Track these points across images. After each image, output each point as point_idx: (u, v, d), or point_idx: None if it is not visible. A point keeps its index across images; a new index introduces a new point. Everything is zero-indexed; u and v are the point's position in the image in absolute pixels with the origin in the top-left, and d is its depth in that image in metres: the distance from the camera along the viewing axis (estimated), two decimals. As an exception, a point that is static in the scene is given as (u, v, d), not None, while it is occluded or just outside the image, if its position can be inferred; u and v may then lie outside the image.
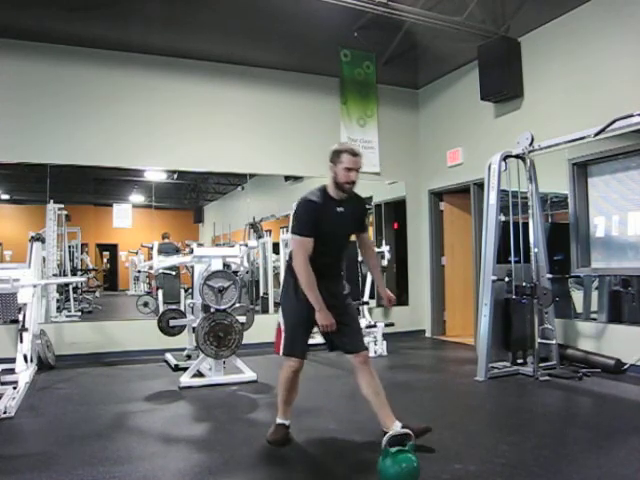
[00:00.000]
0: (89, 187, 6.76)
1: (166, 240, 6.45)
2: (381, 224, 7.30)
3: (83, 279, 6.29)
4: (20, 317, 4.36)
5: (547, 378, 4.36)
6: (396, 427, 2.67)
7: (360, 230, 2.95)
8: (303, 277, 2.65)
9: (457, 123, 6.66)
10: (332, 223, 2.73)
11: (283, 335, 2.80)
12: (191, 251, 4.81)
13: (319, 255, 2.69)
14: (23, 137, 5.50)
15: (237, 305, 4.68)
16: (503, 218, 4.67)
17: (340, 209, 2.76)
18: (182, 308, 5.58)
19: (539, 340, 4.52)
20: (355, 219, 2.87)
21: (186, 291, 6.21)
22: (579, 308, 5.23)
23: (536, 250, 4.64)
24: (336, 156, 2.71)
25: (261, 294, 6.86)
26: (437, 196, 7.17)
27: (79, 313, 6.29)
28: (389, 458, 2.22)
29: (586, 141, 4.62)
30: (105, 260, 7.43)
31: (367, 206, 2.96)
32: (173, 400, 3.91)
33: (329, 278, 2.80)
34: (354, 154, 2.70)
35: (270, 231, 7.08)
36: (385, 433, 2.44)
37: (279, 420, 2.88)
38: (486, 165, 4.75)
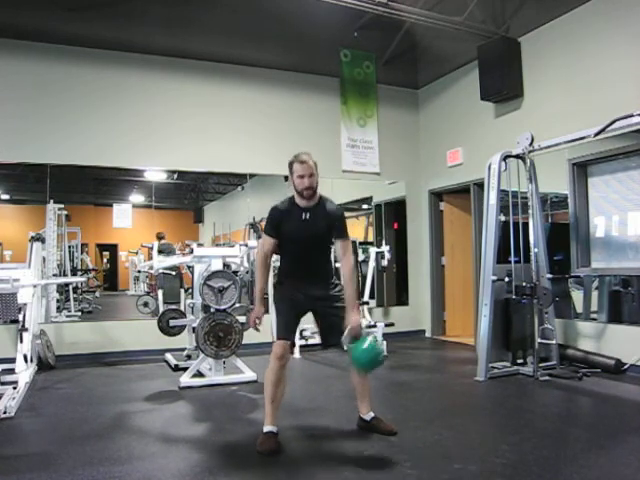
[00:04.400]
0: (89, 187, 6.75)
1: (163, 241, 6.44)
2: (381, 224, 7.30)
3: (83, 279, 6.28)
4: (20, 317, 4.36)
5: (547, 378, 4.36)
6: (367, 416, 3.03)
7: (336, 237, 3.00)
8: (257, 269, 3.01)
9: (457, 123, 6.66)
10: (297, 228, 2.91)
11: (276, 324, 2.93)
12: (191, 251, 4.81)
13: (292, 258, 2.99)
14: (23, 137, 5.50)
15: (237, 305, 4.68)
16: (503, 218, 4.67)
17: (305, 215, 2.93)
18: (182, 308, 5.58)
19: (539, 340, 4.52)
20: (324, 225, 2.94)
21: (186, 291, 6.21)
22: (579, 308, 5.23)
23: (536, 250, 4.64)
24: (289, 168, 2.97)
25: (261, 294, 6.83)
26: (437, 196, 7.17)
27: (79, 313, 6.28)
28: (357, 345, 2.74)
29: (586, 141, 4.62)
30: (105, 260, 7.42)
31: (343, 213, 3.08)
32: (173, 400, 3.91)
33: (310, 281, 2.96)
34: (301, 162, 2.91)
35: (270, 231, 7.06)
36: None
37: (268, 428, 2.82)
38: (486, 165, 4.75)
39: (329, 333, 2.99)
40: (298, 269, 2.98)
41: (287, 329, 2.91)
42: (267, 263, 3.00)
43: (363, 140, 6.94)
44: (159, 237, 6.44)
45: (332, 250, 3.10)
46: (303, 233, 2.91)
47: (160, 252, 5.63)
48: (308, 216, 2.92)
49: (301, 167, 2.90)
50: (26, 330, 4.33)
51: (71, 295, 6.27)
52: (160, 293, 5.78)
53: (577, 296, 5.33)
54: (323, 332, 3.05)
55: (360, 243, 7.19)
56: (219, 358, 4.29)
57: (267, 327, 6.26)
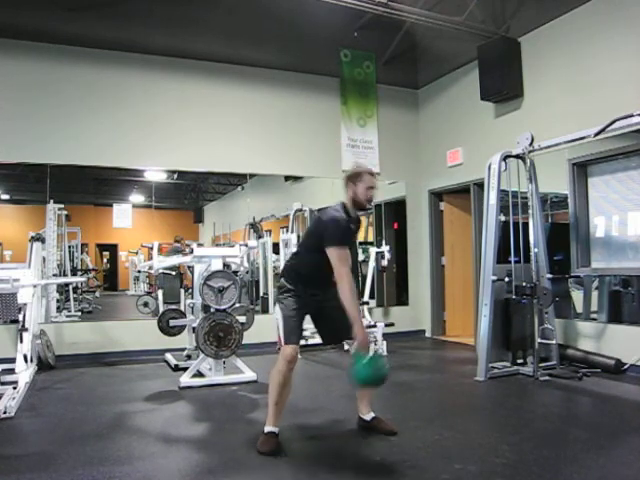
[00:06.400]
0: (89, 187, 6.76)
1: (177, 245, 6.47)
2: (381, 224, 7.30)
3: (83, 279, 6.28)
4: (20, 317, 4.36)
5: (547, 378, 4.37)
6: (367, 416, 3.04)
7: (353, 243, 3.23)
8: (348, 289, 2.75)
9: (457, 123, 6.66)
10: (348, 238, 2.95)
11: (282, 327, 2.88)
12: (191, 251, 4.81)
13: (321, 265, 2.83)
14: (23, 137, 5.50)
15: (237, 305, 4.68)
16: (503, 218, 4.67)
17: (352, 227, 2.99)
18: (182, 308, 5.58)
19: (539, 340, 4.52)
20: (355, 234, 3.14)
21: (186, 291, 6.21)
22: (579, 308, 5.23)
23: (536, 250, 4.64)
24: (356, 176, 2.93)
25: (261, 294, 6.86)
26: (437, 196, 7.17)
27: (79, 313, 6.28)
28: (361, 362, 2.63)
29: (586, 141, 4.62)
30: (105, 260, 7.43)
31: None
32: (173, 400, 3.91)
33: (325, 284, 2.94)
34: (372, 174, 2.97)
35: (270, 231, 7.08)
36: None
37: (269, 428, 2.82)
38: (486, 165, 4.75)
39: (337, 329, 2.98)
40: (321, 275, 2.91)
41: (298, 333, 2.91)
42: None
43: (363, 140, 6.93)
44: (176, 241, 6.47)
45: None
46: (348, 243, 2.95)
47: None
48: (352, 226, 2.99)
49: (372, 179, 2.94)
50: (26, 330, 4.33)
51: (71, 295, 6.27)
52: (160, 293, 5.79)
53: (577, 296, 5.33)
54: (330, 329, 3.03)
55: (360, 243, 7.18)
56: (219, 358, 4.29)
57: (267, 326, 6.28)
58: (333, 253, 2.78)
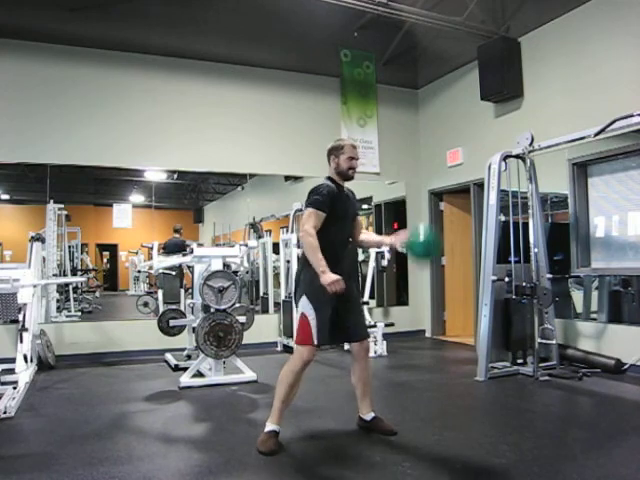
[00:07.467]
0: (89, 187, 6.75)
1: (176, 235, 6.47)
2: (381, 224, 7.30)
3: (83, 279, 6.28)
4: (20, 317, 4.36)
5: (547, 378, 4.36)
6: (367, 416, 3.04)
7: (355, 214, 3.21)
8: (309, 241, 2.73)
9: (457, 123, 6.66)
10: (343, 206, 2.98)
11: (315, 324, 2.77)
12: (191, 251, 4.81)
13: (335, 236, 2.89)
14: (23, 137, 5.50)
15: (237, 305, 4.68)
16: (503, 218, 4.67)
17: (345, 195, 3.08)
18: (182, 308, 5.58)
19: (539, 340, 4.52)
20: (353, 204, 3.18)
21: (186, 291, 6.21)
22: (579, 308, 5.23)
23: (536, 250, 4.64)
24: (338, 149, 3.03)
25: (261, 294, 6.86)
26: (437, 196, 7.17)
27: (79, 313, 6.28)
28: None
29: (586, 141, 4.62)
30: (105, 260, 7.43)
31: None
32: (173, 400, 3.91)
33: (345, 269, 2.91)
34: (354, 146, 3.08)
35: (270, 231, 7.08)
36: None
37: (271, 427, 2.81)
38: (486, 165, 4.75)
39: (357, 327, 3.02)
40: (338, 251, 2.89)
41: (326, 334, 2.81)
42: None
43: (363, 140, 6.93)
44: (175, 230, 6.48)
45: None
46: (348, 211, 3.01)
47: (164, 249, 5.63)
48: (346, 196, 3.08)
49: (353, 150, 3.04)
50: (26, 330, 4.33)
51: (71, 295, 6.27)
52: (160, 293, 5.79)
53: (577, 296, 5.33)
54: (350, 327, 2.98)
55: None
56: (219, 358, 4.29)
57: (267, 326, 6.28)
58: (305, 213, 2.82)
